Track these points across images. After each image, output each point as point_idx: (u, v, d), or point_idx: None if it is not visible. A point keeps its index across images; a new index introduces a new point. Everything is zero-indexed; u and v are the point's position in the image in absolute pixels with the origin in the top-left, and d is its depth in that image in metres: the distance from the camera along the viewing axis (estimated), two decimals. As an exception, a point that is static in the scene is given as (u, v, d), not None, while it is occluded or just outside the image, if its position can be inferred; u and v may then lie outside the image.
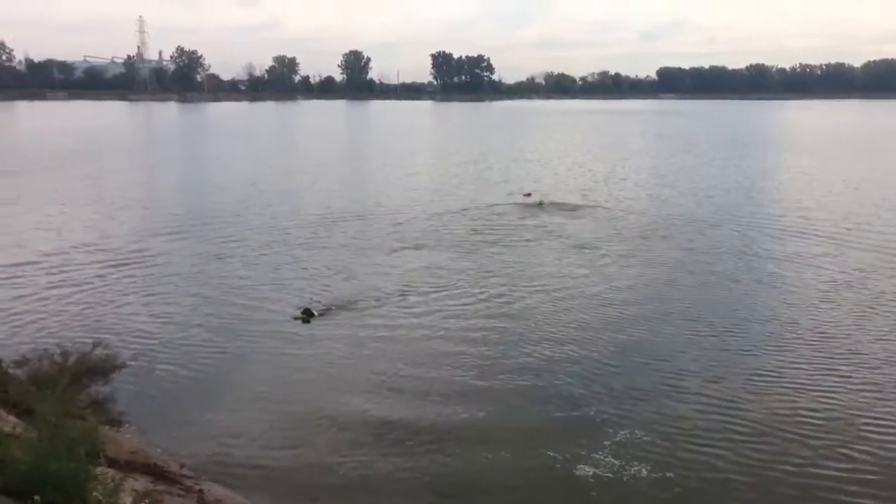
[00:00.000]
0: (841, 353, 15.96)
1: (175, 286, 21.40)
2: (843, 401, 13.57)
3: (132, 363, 14.94)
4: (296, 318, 18.23)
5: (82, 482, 6.30)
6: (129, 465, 8.68)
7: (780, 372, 14.94)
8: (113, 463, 8.06)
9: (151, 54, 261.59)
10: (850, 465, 11.37)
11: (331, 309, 18.90)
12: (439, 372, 15.13)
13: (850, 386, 14.25)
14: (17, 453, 6.79)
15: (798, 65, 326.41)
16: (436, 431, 12.59)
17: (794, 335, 17.15)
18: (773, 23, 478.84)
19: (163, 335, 17.26)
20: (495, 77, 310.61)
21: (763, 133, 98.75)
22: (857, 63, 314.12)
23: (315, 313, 18.48)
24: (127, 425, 12.11)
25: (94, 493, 6.36)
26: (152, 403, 13.50)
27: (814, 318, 18.47)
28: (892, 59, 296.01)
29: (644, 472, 11.17)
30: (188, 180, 48.05)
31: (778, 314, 18.81)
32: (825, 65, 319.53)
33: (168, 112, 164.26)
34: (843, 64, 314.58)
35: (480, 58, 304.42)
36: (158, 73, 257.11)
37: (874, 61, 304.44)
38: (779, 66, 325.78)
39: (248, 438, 12.28)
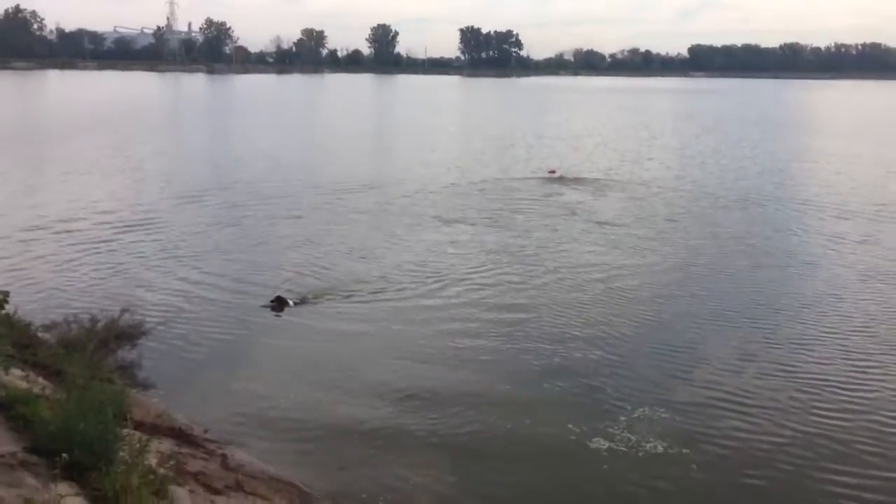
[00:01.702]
0: (872, 346, 15.44)
1: (197, 256, 21.67)
2: (866, 395, 13.19)
3: (157, 330, 15.18)
4: (264, 307, 16.96)
5: (109, 443, 6.44)
6: (155, 429, 8.87)
7: (804, 361, 14.67)
8: (139, 426, 8.23)
9: (181, 26, 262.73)
10: (866, 459, 11.16)
11: (307, 298, 17.59)
12: (459, 346, 15.23)
13: (876, 381, 13.79)
14: (46, 414, 6.96)
15: (833, 44, 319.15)
16: (456, 402, 12.74)
17: (822, 324, 16.71)
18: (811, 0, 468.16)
19: (186, 303, 17.55)
20: (523, 53, 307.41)
21: (795, 114, 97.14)
22: (894, 43, 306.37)
23: (290, 302, 17.08)
24: (153, 390, 12.35)
25: (121, 454, 6.51)
26: (177, 370, 13.75)
27: (844, 306, 17.96)
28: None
29: (660, 448, 11.22)
30: (211, 152, 48.40)
31: (806, 301, 18.42)
32: (861, 44, 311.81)
33: (196, 83, 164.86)
34: (879, 44, 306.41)
35: (509, 33, 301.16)
36: (187, 44, 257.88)
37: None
38: (813, 45, 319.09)
39: (271, 407, 12.47)
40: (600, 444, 11.34)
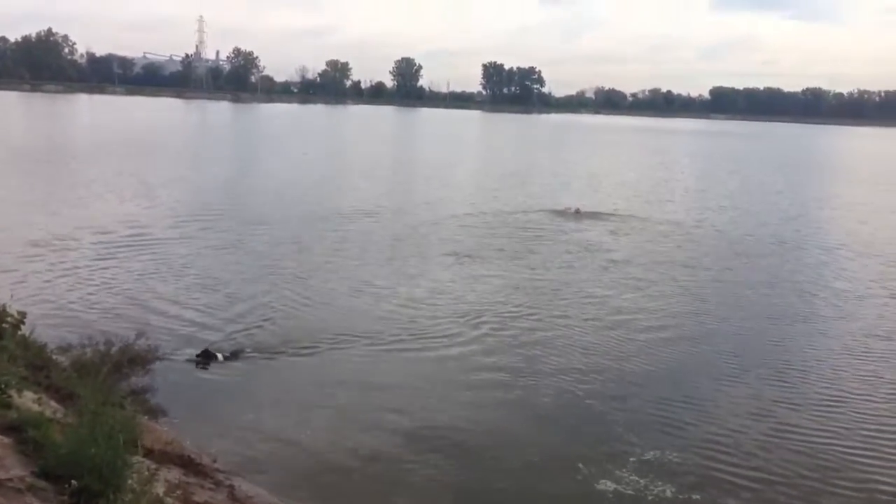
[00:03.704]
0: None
1: (206, 284, 21.62)
2: (885, 466, 12.42)
3: (171, 356, 15.26)
4: (189, 361, 15.43)
5: (119, 469, 6.40)
6: (164, 456, 8.84)
7: (820, 424, 13.93)
8: (149, 453, 8.20)
9: (209, 53, 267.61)
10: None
11: (241, 351, 16.10)
12: (467, 384, 15.19)
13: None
14: (57, 437, 6.96)
15: (856, 90, 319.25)
16: (465, 439, 12.70)
17: (841, 385, 15.88)
18: (836, 46, 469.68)
19: (201, 330, 17.57)
20: (545, 90, 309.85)
21: (818, 159, 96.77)
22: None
23: (219, 356, 15.50)
24: (163, 417, 12.34)
25: (130, 481, 6.48)
26: (188, 398, 13.74)
27: (867, 366, 17.08)
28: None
29: (668, 493, 11.08)
30: (227, 179, 48.31)
31: (826, 359, 17.55)
32: (884, 91, 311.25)
33: (220, 111, 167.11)
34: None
35: (531, 69, 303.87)
36: (214, 72, 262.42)
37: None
38: (836, 91, 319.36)
39: (281, 439, 12.46)
40: (606, 485, 11.23)
